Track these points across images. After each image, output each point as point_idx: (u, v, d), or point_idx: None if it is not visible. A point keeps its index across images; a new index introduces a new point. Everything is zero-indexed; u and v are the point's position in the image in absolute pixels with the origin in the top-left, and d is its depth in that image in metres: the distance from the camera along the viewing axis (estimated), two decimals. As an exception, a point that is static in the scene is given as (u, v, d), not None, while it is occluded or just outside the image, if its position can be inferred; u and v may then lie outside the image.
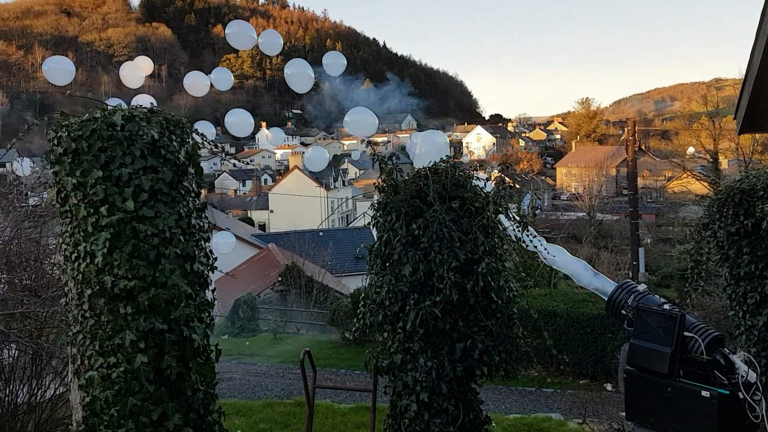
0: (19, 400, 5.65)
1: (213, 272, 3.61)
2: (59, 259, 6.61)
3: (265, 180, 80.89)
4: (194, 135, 3.66)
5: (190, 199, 3.53)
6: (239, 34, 8.62)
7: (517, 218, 4.88)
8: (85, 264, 3.23)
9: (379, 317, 4.80)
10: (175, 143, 3.47)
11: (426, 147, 5.41)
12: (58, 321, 5.76)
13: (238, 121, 9.73)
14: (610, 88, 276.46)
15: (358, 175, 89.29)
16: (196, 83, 9.83)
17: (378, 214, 5.03)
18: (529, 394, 11.74)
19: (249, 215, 61.89)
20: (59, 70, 8.76)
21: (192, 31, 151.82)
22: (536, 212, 39.83)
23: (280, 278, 23.33)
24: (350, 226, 52.28)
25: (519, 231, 4.79)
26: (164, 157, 3.38)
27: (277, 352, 15.11)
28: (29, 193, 9.51)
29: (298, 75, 8.41)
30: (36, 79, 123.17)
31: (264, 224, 60.42)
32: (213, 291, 3.61)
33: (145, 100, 8.78)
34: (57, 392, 5.77)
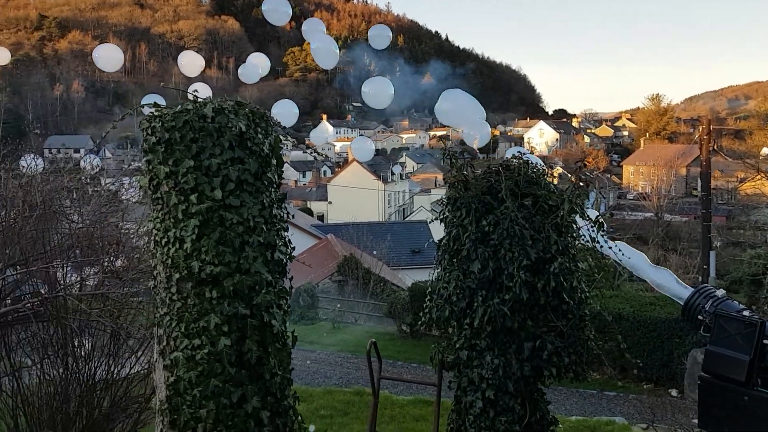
0: (97, 376, 5.96)
1: (291, 261, 3.72)
2: (139, 243, 6.93)
3: (325, 172, 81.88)
4: (277, 128, 3.76)
5: (273, 189, 3.65)
6: (275, 11, 8.70)
7: (592, 218, 4.80)
8: (174, 249, 3.38)
9: (445, 312, 4.82)
10: (260, 135, 3.59)
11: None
12: (136, 303, 6.05)
13: (284, 111, 9.88)
14: (682, 85, 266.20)
15: (415, 168, 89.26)
16: (247, 73, 10.01)
17: (447, 210, 5.03)
18: (591, 397, 11.52)
19: (308, 206, 62.86)
20: (109, 57, 9.05)
21: (259, 25, 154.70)
22: (612, 213, 38.77)
23: (338, 269, 23.66)
24: (406, 219, 52.37)
25: (594, 231, 4.70)
26: (250, 149, 3.50)
27: (336, 341, 15.36)
28: (106, 179, 9.98)
29: (377, 94, 8.36)
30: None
31: (322, 215, 61.25)
32: (291, 279, 3.71)
33: (201, 89, 9.04)
34: (132, 371, 6.06)
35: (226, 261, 3.34)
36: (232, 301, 3.33)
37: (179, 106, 3.50)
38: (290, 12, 8.69)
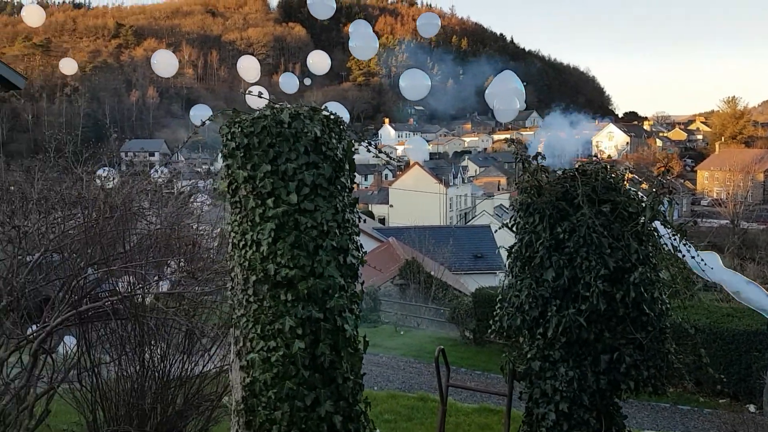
0: (171, 374, 6.15)
1: (363, 265, 3.71)
2: (213, 244, 7.13)
3: (386, 175, 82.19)
4: (350, 132, 3.77)
5: (345, 194, 3.66)
6: (320, 4, 8.75)
7: (674, 226, 4.58)
8: (251, 252, 3.43)
9: (517, 321, 4.71)
10: (334, 140, 3.61)
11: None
12: (210, 302, 6.21)
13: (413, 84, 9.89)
14: (759, 87, 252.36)
15: (478, 172, 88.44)
16: (287, 82, 10.07)
17: (518, 215, 4.91)
18: (664, 411, 11.05)
19: (370, 209, 63.24)
20: (165, 63, 9.38)
21: (324, 31, 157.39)
22: (696, 221, 37.23)
23: (399, 272, 23.66)
24: (469, 224, 51.87)
25: (676, 240, 4.49)
26: (325, 154, 3.53)
27: (398, 345, 15.34)
28: (181, 182, 10.34)
29: (414, 87, 8.34)
30: (183, 75, 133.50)
31: (384, 218, 61.50)
32: (362, 284, 3.71)
33: (257, 93, 9.20)
34: (205, 369, 6.21)
35: (300, 264, 3.37)
36: (306, 305, 3.35)
37: (257, 112, 3.55)
38: (334, 6, 8.74)
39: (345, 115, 9.88)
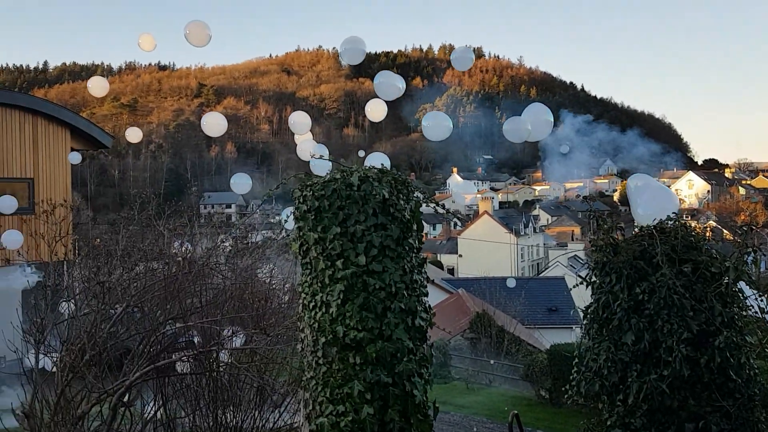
0: (244, 426, 6.20)
1: (432, 327, 3.67)
2: (284, 298, 7.26)
3: (455, 224, 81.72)
4: (418, 193, 3.80)
5: (413, 255, 3.65)
6: (386, 84, 8.92)
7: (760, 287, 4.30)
8: (321, 313, 3.47)
9: (595, 386, 4.49)
10: (401, 201, 3.64)
11: (652, 208, 5.00)
12: (281, 358, 6.28)
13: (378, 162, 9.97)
14: None
15: (550, 221, 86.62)
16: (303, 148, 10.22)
17: (594, 274, 4.75)
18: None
19: (438, 259, 62.83)
20: (214, 124, 9.88)
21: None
22: None
23: (470, 325, 23.16)
24: (541, 275, 50.58)
25: (764, 301, 4.20)
26: (392, 215, 3.56)
27: (469, 403, 14.89)
28: (255, 235, 10.67)
29: (436, 127, 8.26)
30: (259, 131, 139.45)
31: (452, 268, 60.85)
32: (431, 347, 3.66)
33: (308, 146, 9.53)
34: (275, 425, 6.24)
35: (368, 327, 3.36)
36: (374, 368, 3.33)
37: (328, 175, 3.64)
38: (403, 87, 8.93)
39: (386, 163, 9.97)
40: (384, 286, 3.43)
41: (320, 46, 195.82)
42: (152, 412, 5.95)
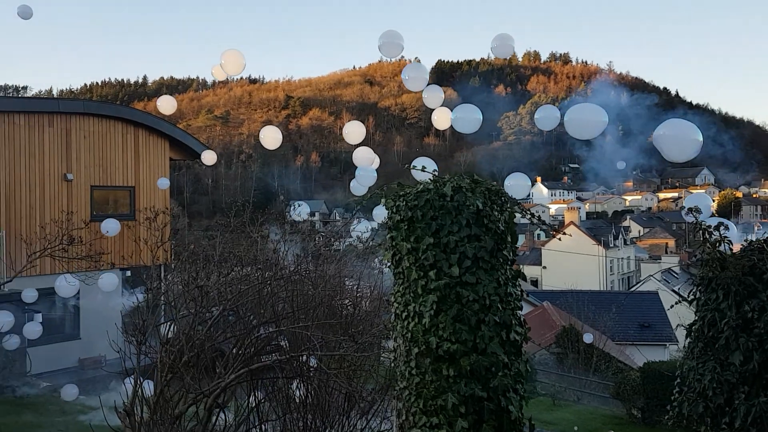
0: (332, 431, 6.29)
1: (527, 342, 3.59)
2: (370, 307, 7.32)
3: (538, 235, 79.88)
4: (515, 206, 3.74)
5: (507, 267, 3.59)
6: (414, 79, 8.81)
7: None
8: (413, 323, 3.47)
9: (699, 408, 4.24)
10: (495, 212, 3.59)
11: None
12: (368, 366, 6.33)
13: (516, 183, 9.78)
14: None
15: (641, 233, 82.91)
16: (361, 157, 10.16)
17: (699, 290, 4.50)
18: None
19: (521, 269, 61.44)
20: (270, 137, 10.17)
21: (475, 93, 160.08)
22: None
23: (556, 340, 22.50)
24: (632, 289, 48.47)
25: None
26: (486, 226, 3.52)
27: (556, 419, 14.43)
28: (341, 242, 10.87)
29: (465, 119, 7.91)
30: (342, 141, 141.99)
31: (536, 280, 59.38)
32: (526, 362, 3.58)
33: (366, 155, 9.61)
34: (362, 432, 6.29)
35: (462, 339, 3.33)
36: (468, 382, 3.29)
37: (420, 185, 3.65)
38: (480, 119, 8.82)
39: (430, 167, 9.85)
40: (477, 298, 3.39)
41: (402, 57, 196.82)
42: (245, 414, 6.14)
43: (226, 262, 8.21)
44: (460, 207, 3.50)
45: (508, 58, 8.71)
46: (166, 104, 10.84)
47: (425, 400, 3.36)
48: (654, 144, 5.48)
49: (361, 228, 12.77)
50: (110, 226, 11.42)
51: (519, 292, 3.65)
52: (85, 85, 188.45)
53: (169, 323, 6.77)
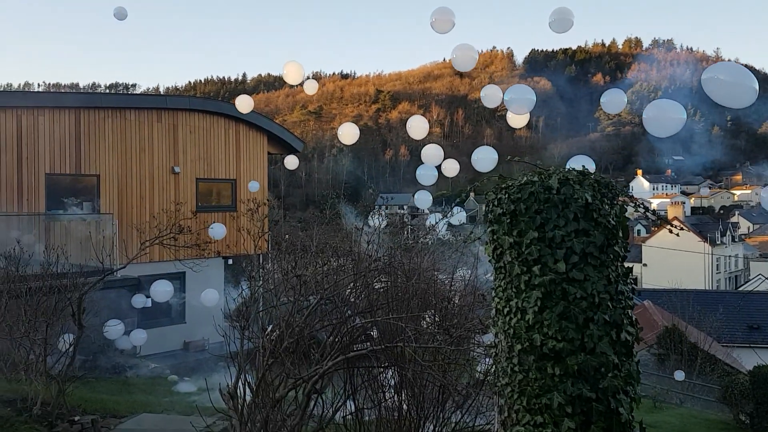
0: (426, 426, 6.30)
1: (638, 343, 3.42)
2: (464, 301, 7.26)
3: (638, 231, 76.31)
4: (626, 198, 3.57)
5: (618, 263, 3.44)
6: (518, 101, 8.58)
7: None
8: (516, 319, 3.39)
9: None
10: (606, 206, 3.44)
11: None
12: (463, 360, 6.29)
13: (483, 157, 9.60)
14: None
15: (752, 230, 77.40)
16: (483, 158, 9.85)
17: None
18: None
19: (632, 267, 58.83)
20: (349, 133, 10.19)
21: (571, 82, 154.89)
22: None
23: (657, 340, 21.46)
24: (741, 289, 45.37)
25: None
26: (596, 221, 3.37)
27: (658, 422, 13.76)
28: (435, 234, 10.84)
29: (661, 119, 7.28)
30: (431, 134, 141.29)
31: (636, 278, 56.79)
32: (637, 363, 3.41)
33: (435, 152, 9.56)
34: (457, 426, 6.26)
35: (569, 337, 3.22)
36: (575, 381, 3.18)
37: (524, 178, 3.56)
38: (534, 99, 8.53)
39: (591, 166, 9.55)
40: (586, 296, 3.26)
41: (494, 47, 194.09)
42: (341, 401, 6.27)
43: (322, 252, 8.40)
44: (567, 200, 3.37)
45: (565, 32, 8.27)
46: (245, 103, 11.26)
47: (529, 398, 3.28)
48: (703, 87, 5.19)
49: (433, 219, 12.72)
50: (217, 231, 12.12)
51: (630, 290, 3.48)
52: (189, 82, 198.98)
53: (270, 310, 7.02)
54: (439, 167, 10.71)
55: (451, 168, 10.87)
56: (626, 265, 3.51)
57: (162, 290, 11.52)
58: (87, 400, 8.37)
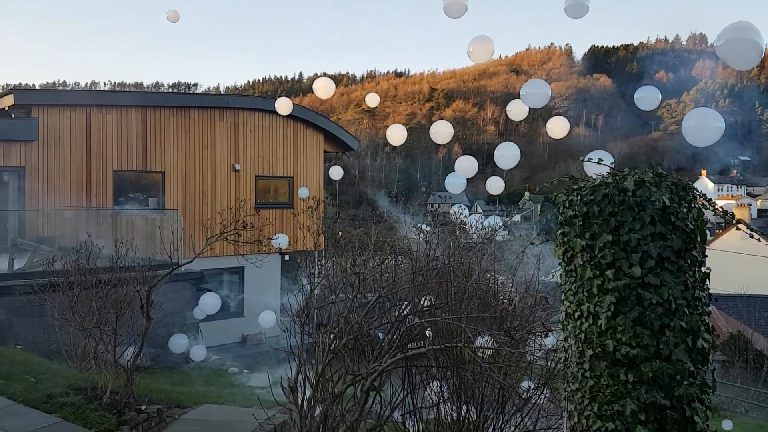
0: (485, 428, 6.26)
1: (715, 351, 3.31)
2: (524, 303, 7.17)
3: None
4: (702, 200, 3.45)
5: (696, 269, 3.33)
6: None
7: None
8: (587, 324, 3.33)
9: None
10: (683, 209, 3.34)
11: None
12: (524, 363, 6.21)
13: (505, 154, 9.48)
14: None
15: (827, 234, 73.33)
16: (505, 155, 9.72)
17: None
18: None
19: (709, 271, 56.68)
20: (397, 134, 10.18)
21: (632, 80, 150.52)
22: None
23: (721, 347, 20.67)
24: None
25: None
26: (673, 224, 3.28)
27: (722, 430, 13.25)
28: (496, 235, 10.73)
29: (700, 128, 7.10)
30: (485, 132, 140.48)
31: (699, 282, 54.55)
32: (713, 371, 3.30)
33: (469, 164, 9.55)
34: (517, 430, 6.19)
35: (643, 344, 3.14)
36: (650, 389, 3.10)
37: (598, 180, 3.49)
38: (549, 93, 8.54)
39: (516, 154, 9.67)
40: (662, 302, 3.17)
41: (552, 44, 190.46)
42: (399, 399, 6.30)
43: (381, 250, 8.45)
44: (644, 203, 3.29)
45: (580, 18, 8.04)
46: (323, 86, 11.32)
47: (600, 405, 3.21)
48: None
49: (456, 209, 12.57)
50: (280, 241, 12.48)
51: (707, 296, 3.37)
52: (248, 81, 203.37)
53: (328, 306, 7.11)
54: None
55: (497, 186, 10.84)
56: (703, 270, 3.40)
57: (211, 303, 11.89)
58: (152, 390, 8.67)
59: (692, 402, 3.10)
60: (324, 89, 10.83)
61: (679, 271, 3.24)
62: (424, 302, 6.76)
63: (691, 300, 3.24)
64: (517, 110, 9.73)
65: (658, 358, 3.12)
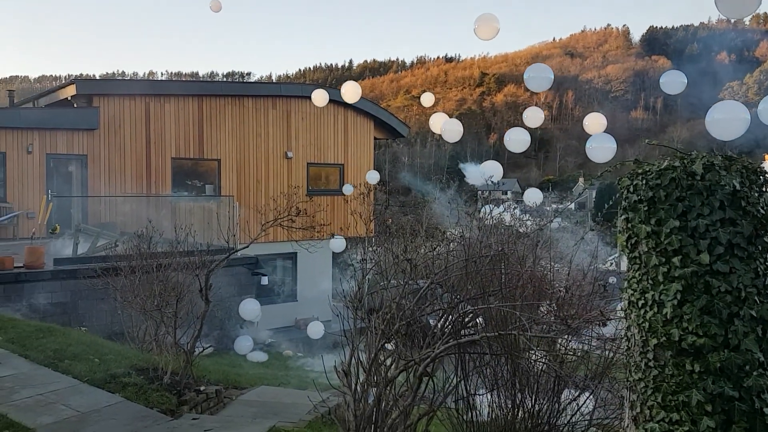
0: (540, 417, 6.20)
1: (789, 342, 3.16)
2: (582, 291, 7.03)
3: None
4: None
5: (767, 255, 3.18)
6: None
7: None
8: (651, 312, 3.23)
9: None
10: (755, 193, 3.19)
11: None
12: (580, 352, 6.11)
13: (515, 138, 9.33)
14: None
15: None
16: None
17: None
18: None
19: None
20: (452, 130, 10.02)
21: (692, 61, 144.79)
22: None
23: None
24: None
25: None
26: (744, 209, 3.14)
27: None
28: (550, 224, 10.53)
29: (726, 121, 6.74)
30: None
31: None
32: (787, 364, 3.15)
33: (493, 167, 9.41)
34: (572, 419, 6.11)
35: (711, 333, 3.03)
36: (717, 379, 2.99)
37: (665, 163, 3.37)
38: (552, 77, 8.45)
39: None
40: (731, 290, 3.05)
41: (609, 25, 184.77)
42: (453, 385, 6.29)
43: (432, 237, 8.42)
44: (713, 187, 3.16)
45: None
46: (350, 91, 11.40)
47: (664, 395, 3.12)
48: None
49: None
50: (336, 243, 12.61)
51: (778, 286, 3.21)
52: (299, 70, 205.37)
53: (381, 292, 7.13)
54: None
55: (535, 196, 10.81)
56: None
57: (250, 309, 12.08)
58: (211, 371, 8.93)
59: (762, 393, 2.98)
60: (352, 94, 10.96)
61: (750, 258, 3.11)
62: (476, 289, 6.72)
63: (761, 288, 3.10)
64: (533, 116, 9.79)
65: (726, 347, 3.01)
